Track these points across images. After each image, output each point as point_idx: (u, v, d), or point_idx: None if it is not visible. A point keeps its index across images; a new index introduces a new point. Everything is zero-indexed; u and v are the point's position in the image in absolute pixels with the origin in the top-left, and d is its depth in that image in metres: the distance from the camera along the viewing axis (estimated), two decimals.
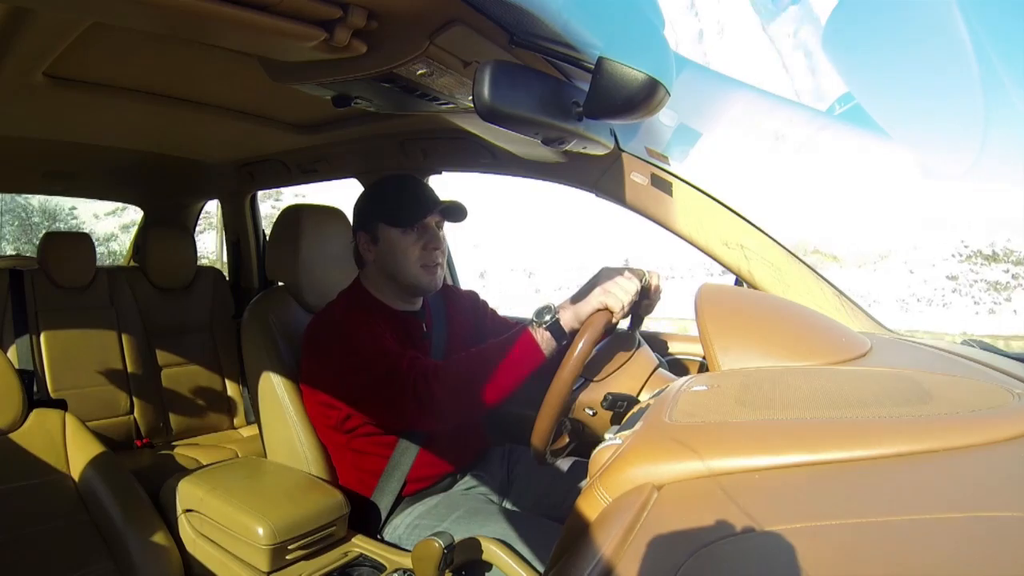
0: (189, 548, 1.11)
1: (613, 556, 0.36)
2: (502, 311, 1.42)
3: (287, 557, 1.02)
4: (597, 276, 0.98)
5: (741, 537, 0.35)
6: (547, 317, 0.94)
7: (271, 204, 11.27)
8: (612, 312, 0.90)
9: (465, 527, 1.01)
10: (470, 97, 0.74)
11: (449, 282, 1.74)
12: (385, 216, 1.15)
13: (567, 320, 0.94)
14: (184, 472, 1.16)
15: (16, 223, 12.91)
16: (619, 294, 0.91)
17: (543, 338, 0.94)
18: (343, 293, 1.22)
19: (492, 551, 0.91)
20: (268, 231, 1.68)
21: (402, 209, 1.15)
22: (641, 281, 0.97)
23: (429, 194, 1.17)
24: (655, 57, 0.76)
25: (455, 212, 1.18)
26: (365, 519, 1.14)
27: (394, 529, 1.12)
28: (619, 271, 0.96)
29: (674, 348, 1.35)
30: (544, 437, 0.89)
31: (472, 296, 1.36)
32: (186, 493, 1.12)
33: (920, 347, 0.90)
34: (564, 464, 1.20)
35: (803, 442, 0.44)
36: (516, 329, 0.98)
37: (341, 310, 1.14)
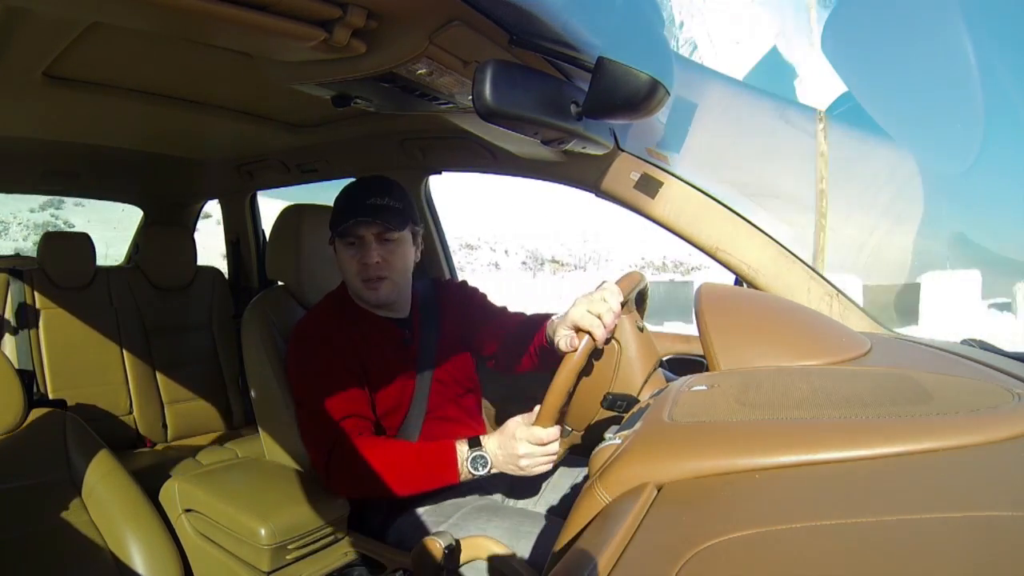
0: (189, 548, 1.10)
1: (613, 556, 0.36)
2: None
3: (287, 557, 1.02)
4: (511, 440, 0.95)
5: (741, 537, 0.35)
6: (482, 472, 0.97)
7: None
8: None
9: (465, 527, 1.01)
10: (470, 97, 0.74)
11: (447, 276, 1.74)
12: (331, 226, 1.15)
13: (498, 466, 0.98)
14: (184, 472, 1.16)
15: None
16: (537, 461, 0.94)
17: (465, 475, 0.98)
18: (329, 296, 1.22)
19: (492, 551, 0.91)
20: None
21: (337, 221, 1.13)
22: (624, 297, 0.95)
23: (367, 203, 1.09)
24: (655, 57, 0.76)
25: (376, 212, 1.09)
26: (365, 519, 1.14)
27: (394, 529, 1.12)
28: (520, 432, 0.94)
29: (672, 348, 1.35)
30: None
31: (461, 287, 1.35)
32: (186, 493, 1.12)
33: (920, 347, 0.90)
34: (564, 464, 1.19)
35: (803, 442, 0.44)
36: (445, 460, 0.99)
37: (317, 326, 1.14)
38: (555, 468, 1.00)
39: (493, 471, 0.98)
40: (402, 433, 1.14)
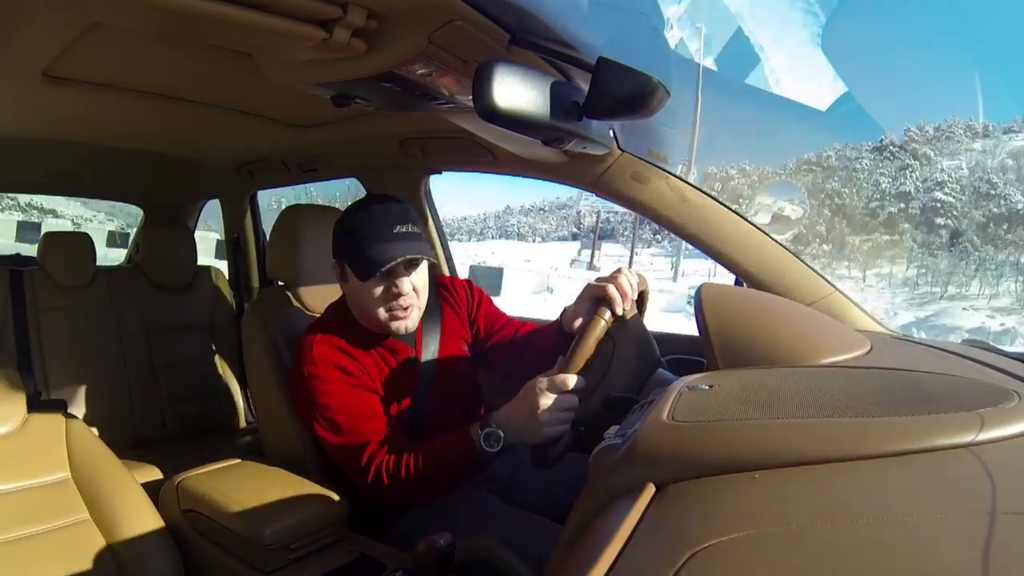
0: (189, 548, 1.10)
1: (613, 555, 0.36)
2: None
3: (288, 557, 1.02)
4: (530, 394, 0.93)
5: (741, 537, 0.35)
6: (497, 446, 0.96)
7: None
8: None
9: (466, 527, 1.01)
10: (470, 97, 0.74)
11: (447, 273, 1.74)
12: (346, 257, 1.10)
13: (512, 442, 0.96)
14: (184, 472, 1.16)
15: None
16: (557, 416, 0.91)
17: (487, 455, 0.97)
18: (331, 309, 1.20)
19: (493, 551, 0.91)
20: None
21: (360, 256, 1.06)
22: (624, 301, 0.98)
23: (393, 234, 1.05)
24: (655, 57, 0.76)
25: (407, 243, 1.06)
26: (365, 519, 1.14)
27: (395, 529, 1.12)
28: (547, 386, 0.91)
29: (674, 348, 1.34)
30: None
31: (467, 288, 1.33)
32: (186, 493, 1.12)
33: (920, 347, 0.90)
34: (565, 464, 1.19)
35: (803, 442, 0.44)
36: (464, 446, 0.98)
37: (321, 348, 1.09)
38: (567, 450, 0.99)
39: (509, 441, 0.95)
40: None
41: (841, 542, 0.34)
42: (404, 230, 1.07)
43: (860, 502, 0.38)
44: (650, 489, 0.43)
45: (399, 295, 1.07)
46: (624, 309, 0.98)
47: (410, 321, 1.11)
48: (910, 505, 0.37)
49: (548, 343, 1.15)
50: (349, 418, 1.06)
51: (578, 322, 1.05)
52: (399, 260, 1.04)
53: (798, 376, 0.62)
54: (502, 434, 0.95)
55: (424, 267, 1.13)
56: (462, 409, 1.23)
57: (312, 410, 1.08)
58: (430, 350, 1.20)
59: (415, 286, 1.10)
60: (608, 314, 0.95)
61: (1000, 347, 0.92)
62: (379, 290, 1.07)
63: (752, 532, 0.35)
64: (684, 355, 1.27)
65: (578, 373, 0.93)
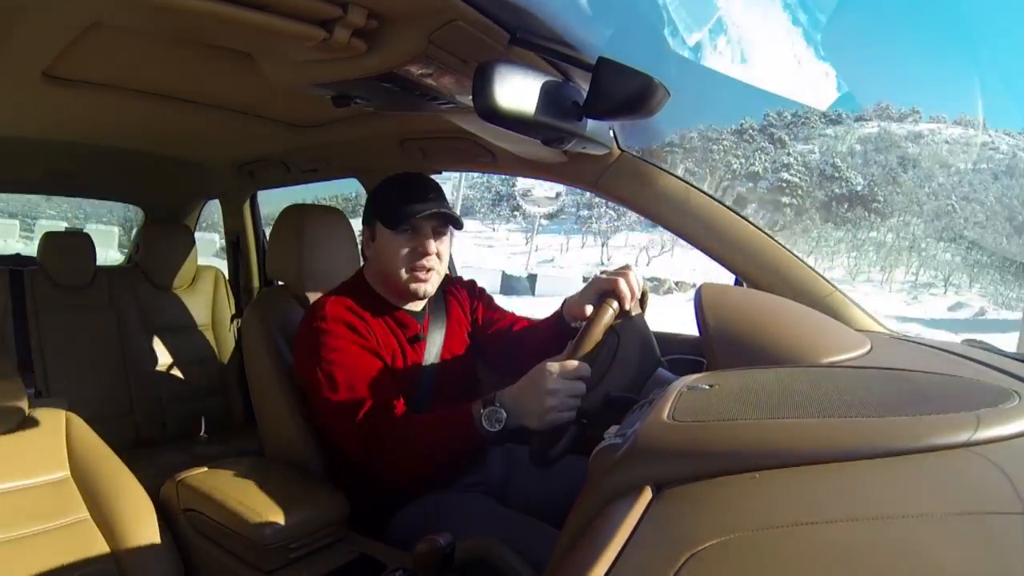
0: (189, 548, 1.10)
1: (612, 556, 0.36)
2: None
3: (287, 557, 1.02)
4: (540, 377, 0.90)
5: (741, 538, 0.35)
6: (497, 427, 0.94)
7: None
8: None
9: (466, 527, 1.01)
10: (470, 97, 0.74)
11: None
12: (380, 214, 1.15)
13: (513, 424, 0.94)
14: (184, 472, 1.16)
15: None
16: (565, 403, 0.89)
17: (486, 434, 0.95)
18: (344, 283, 1.23)
19: (492, 551, 0.91)
20: None
21: (393, 209, 1.13)
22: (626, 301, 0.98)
23: (427, 197, 1.13)
24: (655, 57, 0.76)
25: (449, 220, 1.15)
26: (365, 519, 1.14)
27: (394, 528, 1.12)
28: (554, 373, 0.89)
29: (674, 348, 1.34)
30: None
31: (470, 286, 1.37)
32: (186, 493, 1.12)
33: (920, 347, 0.90)
34: (564, 464, 1.19)
35: (803, 442, 0.44)
36: (464, 421, 0.97)
37: (334, 307, 1.12)
38: (567, 450, 0.97)
39: (511, 423, 0.93)
40: None
41: (840, 542, 0.34)
42: (436, 197, 1.15)
43: (859, 502, 0.38)
44: (650, 489, 0.43)
45: (424, 254, 1.12)
46: (630, 305, 0.99)
47: (429, 285, 1.15)
48: (909, 505, 0.37)
49: (545, 334, 1.18)
50: (351, 375, 1.05)
51: (588, 309, 1.04)
52: (433, 211, 1.11)
53: (798, 376, 0.62)
54: (504, 415, 0.94)
55: (448, 241, 1.18)
56: (462, 399, 1.24)
57: (315, 364, 1.07)
58: (436, 338, 1.22)
59: (439, 251, 1.15)
60: (616, 304, 0.96)
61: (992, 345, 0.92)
62: (406, 248, 1.12)
63: (751, 532, 0.35)
64: (684, 355, 1.27)
65: (584, 362, 0.92)
